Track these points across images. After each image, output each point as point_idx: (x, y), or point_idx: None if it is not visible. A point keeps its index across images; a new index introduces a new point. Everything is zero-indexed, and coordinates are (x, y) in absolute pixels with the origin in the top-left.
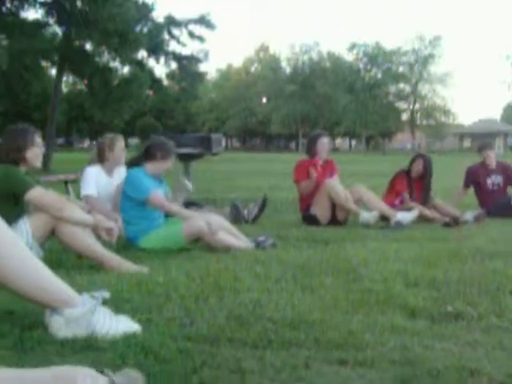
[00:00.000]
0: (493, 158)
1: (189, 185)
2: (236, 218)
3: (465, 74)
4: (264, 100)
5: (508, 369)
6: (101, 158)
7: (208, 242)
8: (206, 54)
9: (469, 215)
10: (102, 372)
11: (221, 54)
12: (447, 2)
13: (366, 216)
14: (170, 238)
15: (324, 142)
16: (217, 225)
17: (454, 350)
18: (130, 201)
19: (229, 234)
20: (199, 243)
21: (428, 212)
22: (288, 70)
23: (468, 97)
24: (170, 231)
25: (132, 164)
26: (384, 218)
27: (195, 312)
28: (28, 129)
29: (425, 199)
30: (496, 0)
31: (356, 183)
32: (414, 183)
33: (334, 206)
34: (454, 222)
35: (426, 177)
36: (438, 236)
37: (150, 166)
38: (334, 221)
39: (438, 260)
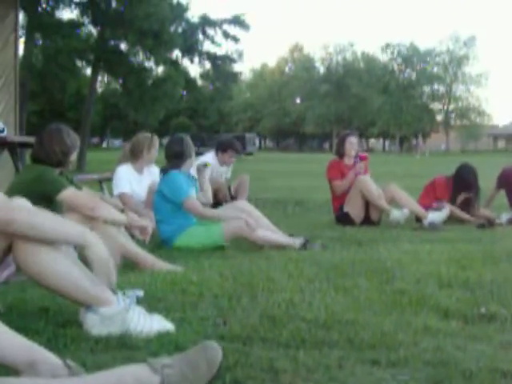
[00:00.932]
0: None
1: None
2: None
3: (500, 74)
4: (298, 100)
5: None
6: (135, 156)
7: (249, 240)
8: (240, 54)
9: (504, 217)
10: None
11: (255, 54)
12: (482, 2)
13: (397, 214)
14: (210, 237)
15: (352, 142)
16: (254, 222)
17: (487, 352)
18: (165, 200)
19: (267, 230)
20: (235, 241)
21: (459, 212)
22: (322, 70)
23: (503, 97)
24: (210, 231)
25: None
26: (417, 219)
27: (228, 311)
28: (73, 132)
29: (469, 211)
30: None
31: (390, 183)
32: (457, 193)
33: (367, 206)
34: (489, 224)
35: (473, 190)
36: (471, 237)
37: (187, 165)
38: (367, 221)
39: (471, 261)
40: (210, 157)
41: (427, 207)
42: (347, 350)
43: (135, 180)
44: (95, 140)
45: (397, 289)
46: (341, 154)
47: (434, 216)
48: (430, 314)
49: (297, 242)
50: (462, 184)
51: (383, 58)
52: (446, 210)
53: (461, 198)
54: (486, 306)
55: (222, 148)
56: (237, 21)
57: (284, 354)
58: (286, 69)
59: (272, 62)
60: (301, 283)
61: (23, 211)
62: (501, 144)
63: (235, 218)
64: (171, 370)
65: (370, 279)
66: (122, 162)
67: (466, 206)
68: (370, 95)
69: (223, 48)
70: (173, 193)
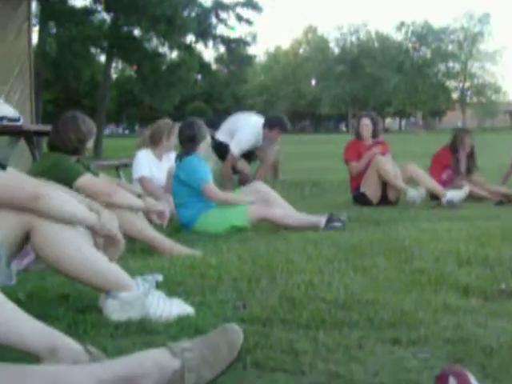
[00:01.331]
0: None
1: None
2: None
3: None
4: (313, 82)
5: None
6: (155, 142)
7: (275, 223)
8: (254, 37)
9: None
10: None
11: (269, 36)
12: None
13: (413, 194)
14: (232, 220)
15: (363, 123)
16: (280, 212)
17: (508, 328)
18: (183, 185)
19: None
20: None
21: (478, 190)
22: (336, 50)
23: None
24: (233, 213)
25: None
26: (435, 197)
27: (248, 294)
28: (89, 119)
29: (470, 169)
30: None
31: (408, 162)
32: (460, 157)
33: (384, 186)
34: (507, 200)
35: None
36: (490, 214)
37: (202, 148)
38: (384, 200)
39: (490, 238)
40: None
41: (440, 179)
42: (367, 329)
43: (154, 165)
44: (111, 127)
45: (416, 268)
46: (358, 135)
47: (454, 194)
48: (450, 291)
49: (322, 220)
50: (457, 143)
51: (397, 37)
52: (466, 188)
53: (463, 160)
54: (506, 283)
55: (269, 124)
56: (250, 3)
57: (304, 334)
58: (301, 50)
59: (286, 45)
60: (320, 264)
61: (50, 188)
62: None
63: (260, 205)
64: (191, 354)
65: (388, 259)
66: (141, 148)
67: (470, 173)
68: (385, 75)
69: (237, 31)
70: (190, 178)
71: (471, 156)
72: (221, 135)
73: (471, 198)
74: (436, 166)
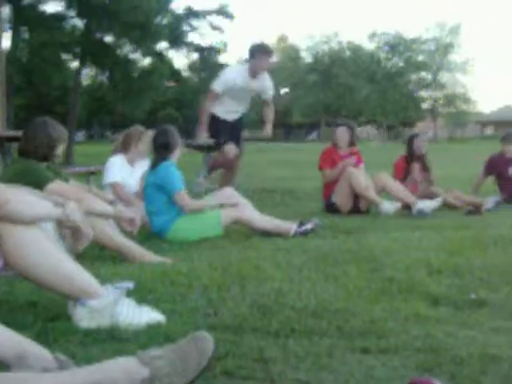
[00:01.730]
0: None
1: None
2: None
3: (486, 61)
4: (284, 90)
5: None
6: (126, 148)
7: (247, 226)
8: (225, 45)
9: (490, 203)
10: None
11: (241, 45)
12: None
13: (387, 207)
14: (206, 226)
15: (339, 131)
16: (252, 213)
17: (477, 337)
18: (160, 191)
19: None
20: (225, 232)
21: (451, 199)
22: (308, 60)
23: (490, 85)
24: (207, 219)
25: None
26: (407, 207)
27: (218, 302)
28: (59, 125)
29: (429, 177)
30: None
31: (380, 171)
32: (412, 165)
33: (356, 196)
34: (477, 211)
35: (425, 155)
36: (460, 224)
37: (175, 156)
38: (355, 210)
39: (460, 248)
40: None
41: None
42: (337, 338)
43: (127, 172)
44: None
45: (386, 276)
46: (334, 143)
47: (425, 204)
48: (420, 301)
49: (293, 226)
50: (410, 148)
51: (370, 46)
52: (439, 199)
53: (416, 167)
54: (476, 292)
55: (250, 54)
56: (222, 11)
57: (274, 343)
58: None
59: None
60: (290, 272)
61: (14, 191)
62: (488, 131)
63: (229, 206)
64: (161, 362)
65: (359, 267)
66: (114, 154)
67: (426, 172)
68: (357, 84)
69: (209, 39)
70: (165, 184)
71: (424, 158)
72: None
73: (442, 206)
74: (397, 175)
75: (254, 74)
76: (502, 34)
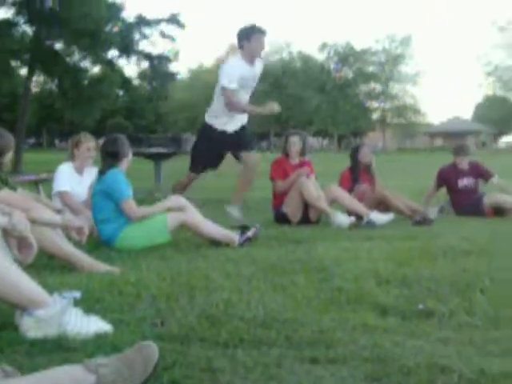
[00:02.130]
0: (465, 163)
1: None
2: None
3: (436, 73)
4: None
5: (478, 366)
6: (71, 156)
7: (193, 230)
8: (177, 54)
9: (433, 213)
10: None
11: (193, 54)
12: (418, 3)
13: (340, 219)
14: (153, 231)
15: (291, 141)
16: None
17: (425, 348)
18: (108, 199)
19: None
20: (173, 241)
21: (403, 207)
22: None
23: (439, 96)
24: (153, 224)
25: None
26: (359, 217)
27: (166, 311)
28: (7, 133)
29: (375, 186)
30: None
31: (332, 184)
32: (359, 175)
33: (306, 205)
34: (425, 221)
35: (371, 165)
36: (408, 234)
37: (124, 165)
38: (305, 220)
39: (409, 258)
40: None
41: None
42: (286, 348)
43: (75, 180)
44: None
45: (335, 286)
46: (285, 152)
47: (376, 217)
48: (368, 311)
49: (237, 236)
50: (356, 160)
51: (320, 57)
52: (391, 215)
53: (362, 177)
54: (424, 303)
55: (239, 38)
56: (173, 20)
57: (222, 353)
58: None
59: (209, 63)
60: (239, 282)
61: None
62: (437, 142)
63: (176, 209)
64: (106, 369)
65: (307, 277)
66: (64, 162)
67: (373, 180)
68: (307, 94)
69: (160, 48)
70: (112, 192)
71: (370, 168)
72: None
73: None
74: (344, 185)
75: (252, 59)
76: (452, 45)
